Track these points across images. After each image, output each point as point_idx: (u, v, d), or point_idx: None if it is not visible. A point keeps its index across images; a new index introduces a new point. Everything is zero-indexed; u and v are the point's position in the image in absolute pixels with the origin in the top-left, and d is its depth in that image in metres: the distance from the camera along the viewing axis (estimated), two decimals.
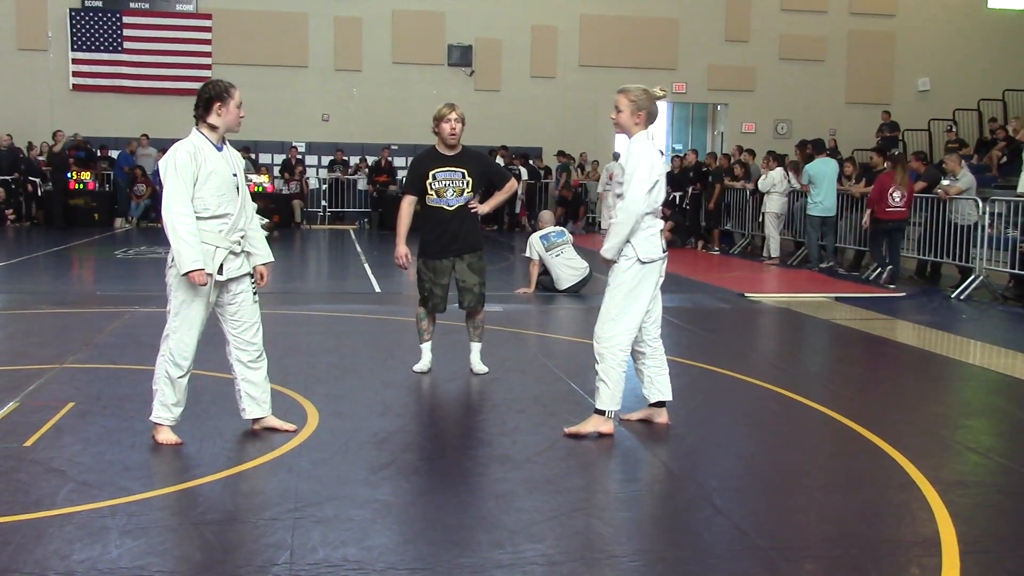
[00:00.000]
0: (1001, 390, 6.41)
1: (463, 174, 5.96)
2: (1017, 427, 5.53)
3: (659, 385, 5.00)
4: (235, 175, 4.53)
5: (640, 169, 4.70)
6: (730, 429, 5.21)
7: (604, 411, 4.78)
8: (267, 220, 4.81)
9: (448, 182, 5.95)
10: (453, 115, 5.90)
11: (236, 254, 4.52)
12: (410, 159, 20.17)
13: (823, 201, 13.37)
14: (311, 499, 3.83)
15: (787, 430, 5.24)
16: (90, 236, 16.83)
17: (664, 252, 4.85)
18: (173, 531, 3.48)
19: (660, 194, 4.82)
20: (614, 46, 22.07)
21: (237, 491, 4.03)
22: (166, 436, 4.53)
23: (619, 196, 4.81)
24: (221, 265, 4.46)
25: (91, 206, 19.13)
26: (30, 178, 18.81)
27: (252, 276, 4.67)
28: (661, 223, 4.90)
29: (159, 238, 16.72)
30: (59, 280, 11.59)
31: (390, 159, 20.83)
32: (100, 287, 10.89)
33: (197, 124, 4.54)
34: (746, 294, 10.69)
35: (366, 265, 13.23)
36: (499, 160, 18.53)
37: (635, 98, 4.79)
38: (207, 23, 20.82)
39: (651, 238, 4.77)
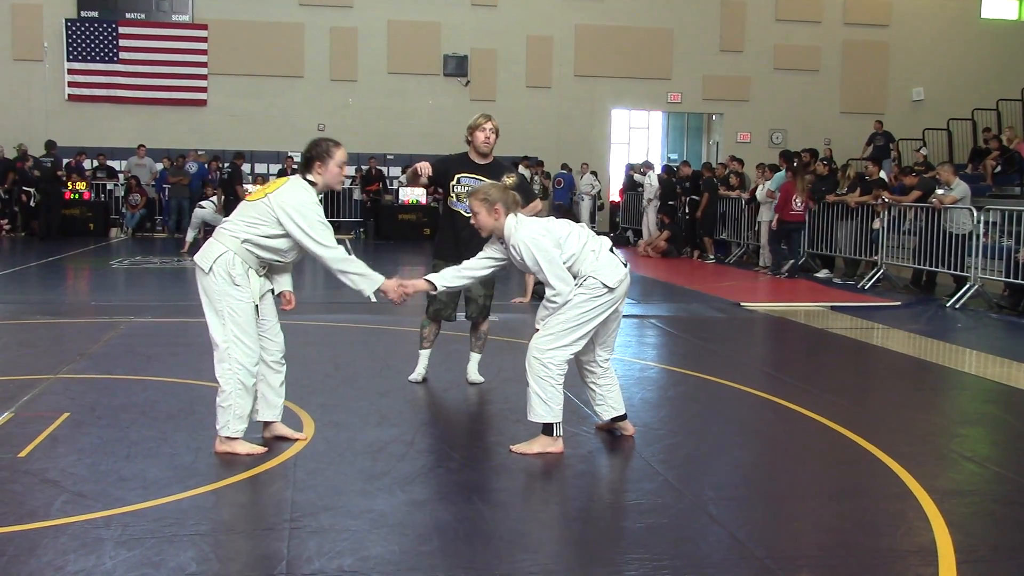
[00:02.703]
0: (996, 399, 6.42)
1: None
2: (1013, 436, 5.54)
3: (611, 402, 4.90)
4: None
5: (538, 252, 4.49)
6: (726, 438, 5.21)
7: (551, 431, 4.64)
8: None
9: (471, 189, 5.94)
10: (488, 124, 5.96)
11: (260, 275, 4.62)
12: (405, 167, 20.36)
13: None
14: (307, 509, 3.82)
15: (783, 439, 5.24)
16: (85, 246, 16.82)
17: (626, 265, 4.72)
18: (168, 542, 3.47)
19: (576, 238, 4.61)
20: (609, 56, 22.16)
21: (233, 502, 4.02)
22: (241, 447, 4.53)
23: (542, 282, 4.59)
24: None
25: (86, 216, 19.14)
26: (24, 188, 18.80)
27: (273, 291, 4.79)
28: (607, 241, 4.74)
29: (154, 248, 16.76)
30: (54, 290, 11.55)
31: (379, 168, 20.89)
32: (95, 297, 10.88)
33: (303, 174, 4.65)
34: (741, 303, 10.70)
35: None
36: (522, 170, 18.20)
37: (485, 197, 4.59)
38: (203, 33, 20.85)
39: (607, 259, 4.63)
